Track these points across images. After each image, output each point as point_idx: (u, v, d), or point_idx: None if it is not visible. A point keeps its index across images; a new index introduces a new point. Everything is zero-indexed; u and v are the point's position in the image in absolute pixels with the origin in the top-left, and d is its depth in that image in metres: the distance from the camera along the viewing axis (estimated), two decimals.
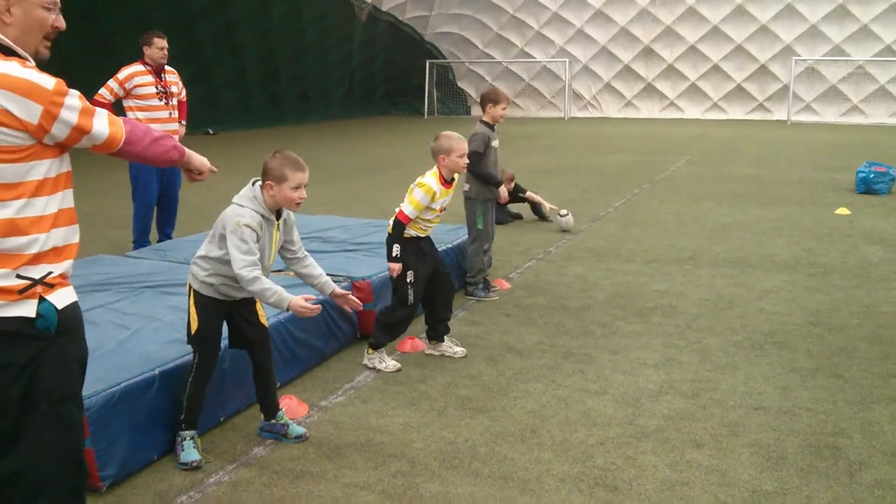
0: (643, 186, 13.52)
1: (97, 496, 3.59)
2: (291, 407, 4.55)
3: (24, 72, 2.37)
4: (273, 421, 4.26)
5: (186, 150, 2.97)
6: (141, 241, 7.87)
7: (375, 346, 5.28)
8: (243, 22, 25.47)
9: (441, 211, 5.32)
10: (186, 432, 4.00)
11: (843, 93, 30.95)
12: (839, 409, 4.55)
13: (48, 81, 2.40)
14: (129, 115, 7.68)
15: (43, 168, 2.44)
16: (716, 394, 4.76)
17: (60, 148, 2.50)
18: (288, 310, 3.86)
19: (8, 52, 2.43)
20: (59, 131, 2.43)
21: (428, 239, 5.43)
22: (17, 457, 2.47)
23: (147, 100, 7.69)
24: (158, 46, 7.78)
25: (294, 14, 27.37)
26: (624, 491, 3.67)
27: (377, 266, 6.05)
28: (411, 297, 5.26)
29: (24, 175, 2.40)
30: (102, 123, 2.56)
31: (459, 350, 5.51)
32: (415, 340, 5.66)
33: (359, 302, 4.30)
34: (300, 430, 4.26)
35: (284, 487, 3.74)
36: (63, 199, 2.53)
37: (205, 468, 3.91)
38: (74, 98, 2.47)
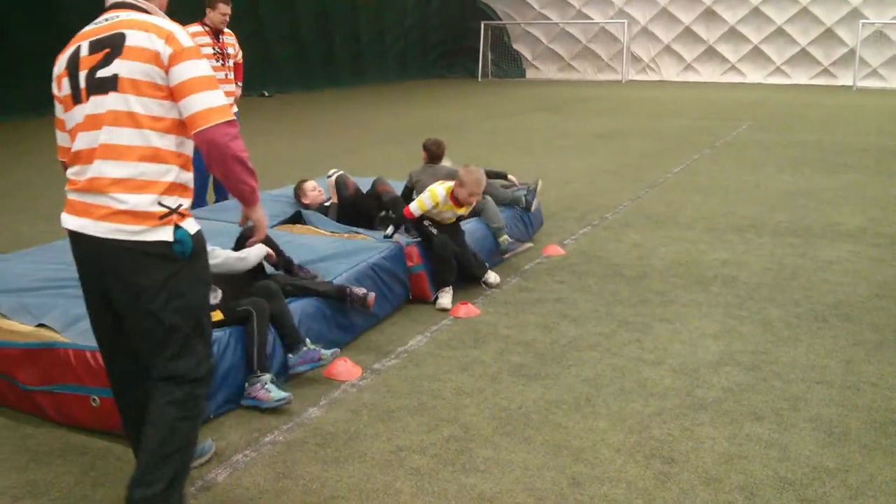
0: (703, 152, 13.23)
1: None
2: (346, 369, 4.57)
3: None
4: (305, 348, 4.42)
5: (258, 201, 3.16)
6: (197, 200, 7.94)
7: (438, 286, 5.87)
8: None
9: (449, 221, 6.03)
10: (265, 375, 4.18)
11: None
12: None
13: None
14: None
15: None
16: (777, 366, 4.65)
17: None
18: None
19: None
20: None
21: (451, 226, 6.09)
22: (164, 365, 2.89)
23: None
24: (222, 12, 7.79)
25: None
26: (681, 463, 3.60)
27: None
28: (432, 231, 5.90)
29: (167, 111, 2.82)
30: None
31: (492, 277, 6.15)
32: (468, 306, 5.62)
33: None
34: (332, 349, 4.53)
35: (338, 448, 3.76)
36: (194, 148, 2.94)
37: (259, 428, 3.95)
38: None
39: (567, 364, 4.71)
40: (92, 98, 2.83)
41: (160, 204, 2.79)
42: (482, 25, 35.14)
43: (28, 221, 8.44)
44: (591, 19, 34.70)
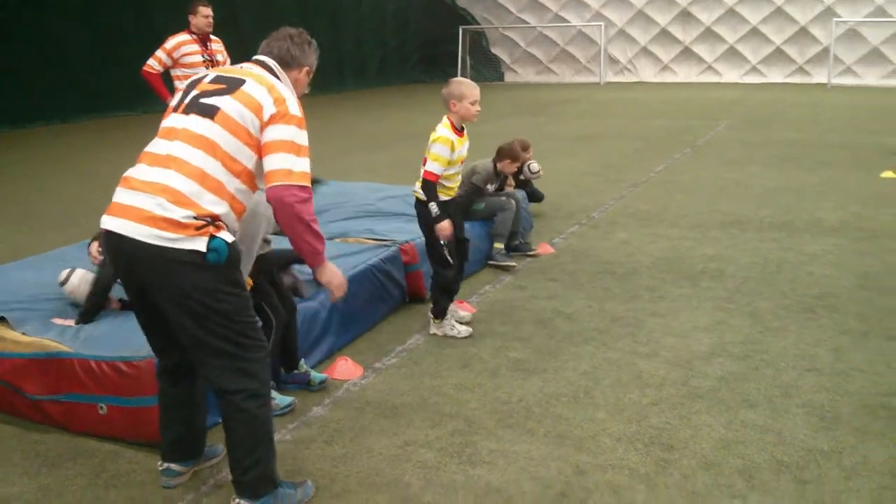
0: (684, 151, 13.40)
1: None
2: (347, 368, 4.65)
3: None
4: (296, 371, 4.46)
5: (325, 261, 3.25)
6: None
7: (439, 314, 5.26)
8: None
9: (461, 163, 5.19)
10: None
11: (885, 55, 30.22)
12: (894, 370, 4.54)
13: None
14: (177, 84, 7.76)
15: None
16: (768, 355, 4.77)
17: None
18: None
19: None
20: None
21: (454, 202, 5.30)
22: (211, 376, 3.08)
23: (194, 68, 7.76)
24: (203, 14, 7.85)
25: None
26: (680, 449, 3.71)
27: (418, 230, 6.04)
28: (449, 257, 5.20)
29: (245, 159, 3.03)
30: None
31: (464, 329, 5.26)
32: (463, 304, 5.71)
33: None
34: (322, 375, 4.52)
35: (345, 445, 3.84)
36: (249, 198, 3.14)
37: None
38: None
39: (564, 358, 4.82)
40: (185, 114, 3.06)
41: (195, 217, 2.88)
42: (460, 30, 35.26)
43: (23, 232, 8.45)
44: (568, 22, 34.89)
